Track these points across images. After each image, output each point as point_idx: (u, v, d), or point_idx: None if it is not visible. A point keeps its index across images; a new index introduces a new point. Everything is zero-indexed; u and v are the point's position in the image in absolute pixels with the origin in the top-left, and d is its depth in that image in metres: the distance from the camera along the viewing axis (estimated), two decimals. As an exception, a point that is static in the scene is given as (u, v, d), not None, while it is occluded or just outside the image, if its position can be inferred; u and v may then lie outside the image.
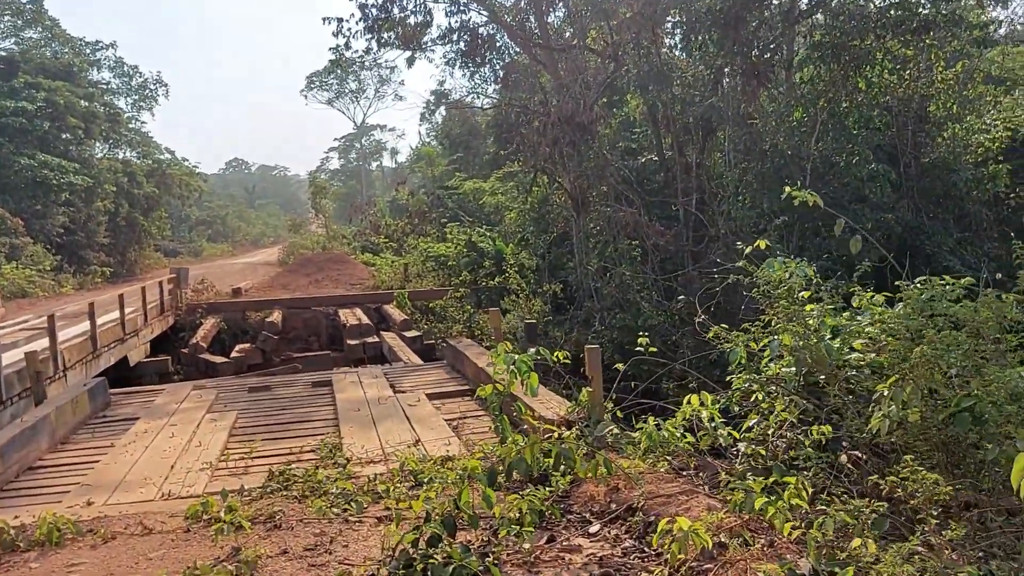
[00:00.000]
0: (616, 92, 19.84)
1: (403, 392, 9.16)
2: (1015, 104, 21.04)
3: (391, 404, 8.31)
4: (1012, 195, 20.68)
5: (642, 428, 5.40)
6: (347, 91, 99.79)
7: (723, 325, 6.60)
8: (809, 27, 18.93)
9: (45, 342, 13.39)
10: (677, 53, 20.53)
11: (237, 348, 18.23)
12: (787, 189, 6.27)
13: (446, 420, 7.67)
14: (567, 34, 22.32)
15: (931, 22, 16.34)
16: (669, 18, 20.25)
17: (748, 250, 6.58)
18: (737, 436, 4.96)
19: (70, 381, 12.54)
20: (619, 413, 6.25)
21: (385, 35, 22.16)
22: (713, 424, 4.95)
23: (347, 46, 21.51)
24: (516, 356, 5.28)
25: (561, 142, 17.49)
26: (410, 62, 23.19)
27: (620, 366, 6.74)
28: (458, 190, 38.18)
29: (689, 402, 5.16)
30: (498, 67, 21.10)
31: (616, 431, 5.53)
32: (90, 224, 45.01)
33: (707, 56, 19.24)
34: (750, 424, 4.90)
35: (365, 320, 19.39)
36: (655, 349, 6.62)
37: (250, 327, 21.51)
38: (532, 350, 5.51)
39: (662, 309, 16.64)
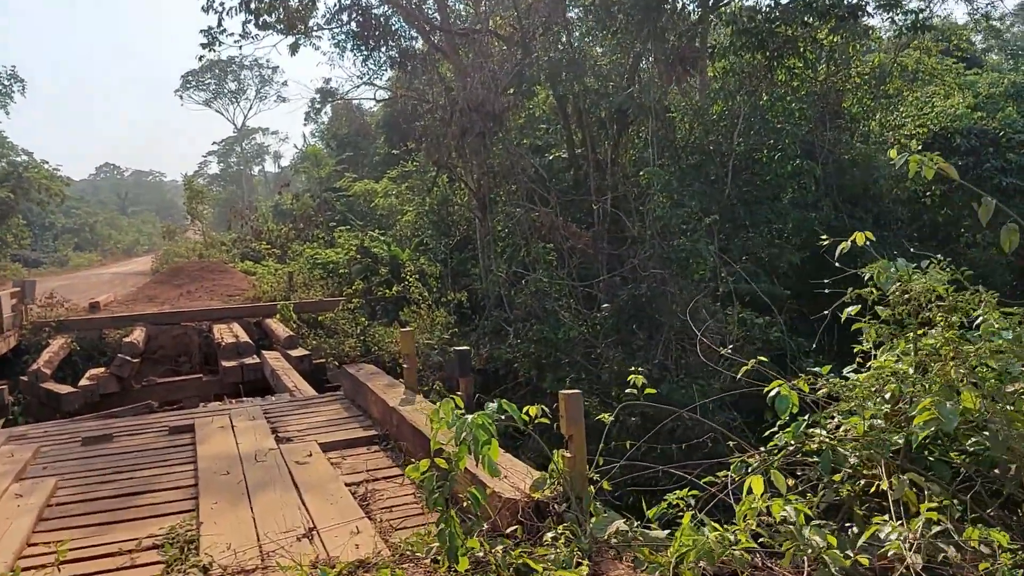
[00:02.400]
0: (525, 82, 18.13)
1: (289, 440, 7.05)
2: (928, 100, 20.65)
3: (272, 461, 6.21)
4: (928, 193, 20.25)
5: (664, 517, 3.60)
6: (226, 91, 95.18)
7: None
8: (732, 13, 17.79)
9: None
10: (589, 41, 19.02)
11: (88, 374, 15.40)
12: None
13: (349, 485, 5.66)
14: (469, 18, 20.47)
15: (861, 7, 15.41)
16: (581, 1, 18.74)
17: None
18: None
19: None
20: (607, 485, 4.43)
21: (265, 17, 19.70)
22: (793, 524, 3.08)
23: (220, 27, 18.96)
24: (465, 419, 3.40)
25: (469, 132, 15.61)
26: (293, 49, 20.76)
27: (606, 418, 4.96)
28: (347, 192, 35.71)
29: (751, 490, 3.27)
30: (393, 52, 18.98)
31: (624, 527, 3.65)
32: (-72, 231, 40.03)
33: (624, 43, 17.84)
34: (884, 532, 3.02)
35: (244, 337, 16.90)
36: (646, 385, 4.87)
37: (108, 348, 18.56)
38: (491, 406, 3.63)
39: (583, 319, 15.01)
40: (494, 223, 18.70)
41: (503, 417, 3.69)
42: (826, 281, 4.63)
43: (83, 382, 14.91)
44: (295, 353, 15.29)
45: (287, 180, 55.45)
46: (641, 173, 18.88)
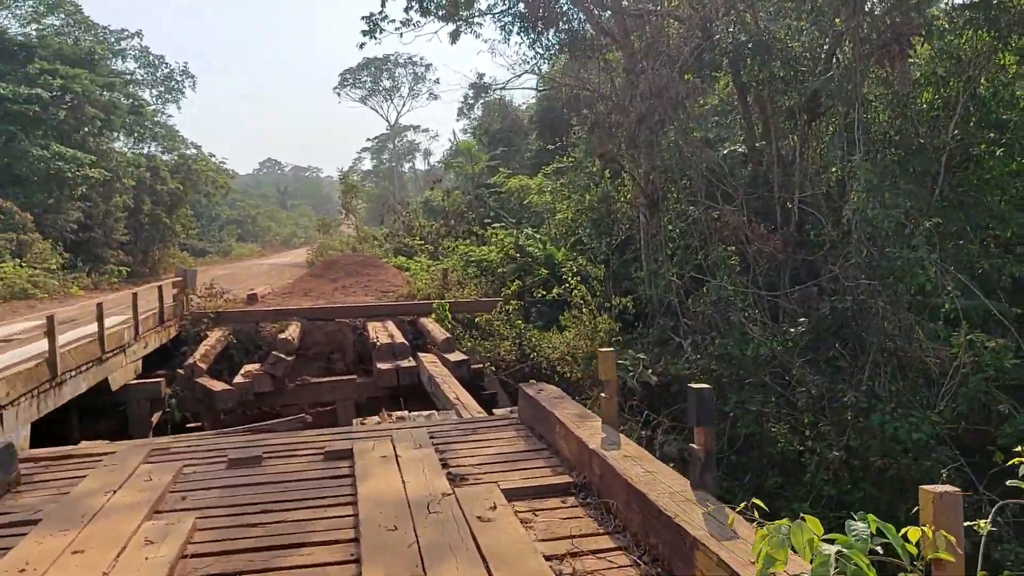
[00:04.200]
0: (704, 68, 16.39)
1: (464, 480, 5.81)
2: None
3: (448, 514, 4.95)
4: None
5: None
6: (381, 89, 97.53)
7: None
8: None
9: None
10: (778, 21, 16.98)
11: (243, 371, 15.02)
12: None
13: (550, 559, 4.32)
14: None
15: None
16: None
17: None
18: None
19: (7, 424, 9.40)
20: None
21: (427, 2, 18.93)
22: None
23: (382, 12, 18.33)
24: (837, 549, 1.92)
25: (647, 120, 14.04)
26: (454, 37, 19.90)
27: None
28: (500, 188, 34.82)
29: None
30: (563, 35, 17.65)
31: None
32: (108, 220, 42.44)
33: (821, 22, 15.75)
34: None
35: (399, 338, 16.10)
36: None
37: (264, 342, 18.32)
38: (860, 527, 2.14)
39: (772, 334, 13.14)
40: (664, 222, 17.04)
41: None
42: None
43: (237, 379, 14.52)
44: (453, 358, 14.29)
45: (439, 176, 55.53)
46: (833, 169, 16.72)
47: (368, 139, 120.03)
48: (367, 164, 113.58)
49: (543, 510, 5.23)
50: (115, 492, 5.64)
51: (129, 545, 4.64)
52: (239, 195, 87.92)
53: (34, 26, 44.59)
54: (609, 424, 5.90)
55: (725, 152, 19.65)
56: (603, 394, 5.97)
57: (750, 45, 16.11)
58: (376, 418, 9.59)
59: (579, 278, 18.58)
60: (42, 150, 35.12)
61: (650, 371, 12.50)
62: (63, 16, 46.25)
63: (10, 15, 45.28)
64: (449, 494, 5.35)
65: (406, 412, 9.58)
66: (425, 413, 9.13)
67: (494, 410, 9.65)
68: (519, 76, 28.90)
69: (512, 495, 5.40)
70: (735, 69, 16.83)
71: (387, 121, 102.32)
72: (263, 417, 14.96)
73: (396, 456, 6.35)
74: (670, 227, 17.37)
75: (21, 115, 34.76)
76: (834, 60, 16.03)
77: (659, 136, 16.42)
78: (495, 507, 5.07)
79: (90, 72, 40.97)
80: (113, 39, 51.58)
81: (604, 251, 21.27)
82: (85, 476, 6.28)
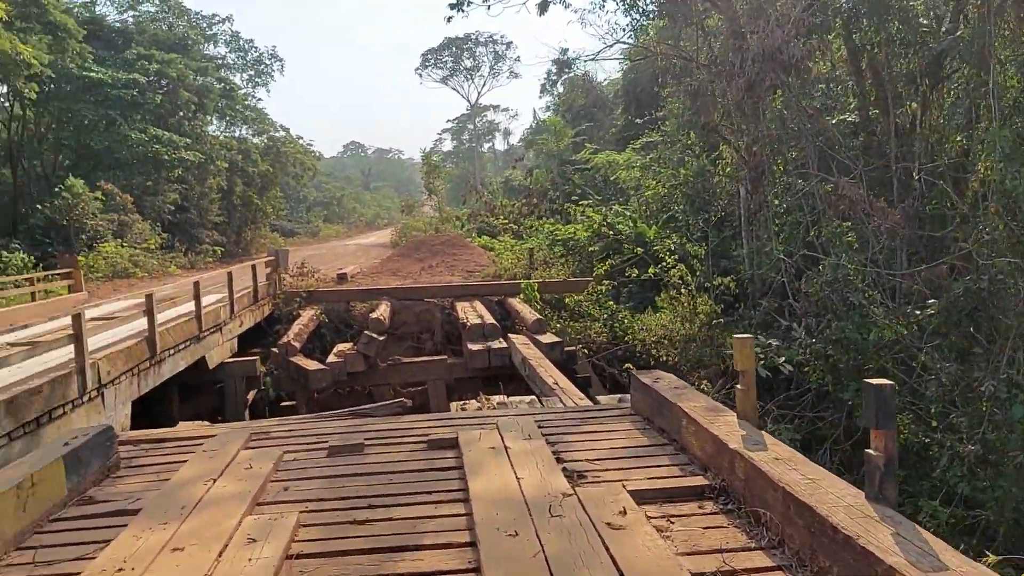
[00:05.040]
0: (814, 31, 15.25)
1: (582, 478, 5.27)
2: None
3: (572, 518, 4.42)
4: None
5: None
6: (462, 69, 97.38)
7: None
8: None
9: (98, 339, 10.35)
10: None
11: (335, 351, 14.88)
12: None
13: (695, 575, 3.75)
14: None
15: None
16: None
17: None
18: None
19: (108, 402, 9.35)
20: None
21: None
22: None
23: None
24: None
25: (758, 86, 13.11)
26: (542, 7, 19.22)
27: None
28: (586, 164, 34.02)
29: None
30: None
31: None
32: (203, 202, 43.61)
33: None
34: None
35: (489, 318, 15.69)
36: None
37: (355, 320, 18.25)
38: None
39: (896, 317, 12.11)
40: (770, 196, 16.06)
41: None
42: None
43: (331, 359, 14.38)
44: (545, 339, 13.78)
45: (519, 155, 55.03)
46: (958, 138, 15.40)
47: (448, 120, 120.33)
48: (447, 145, 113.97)
49: (678, 516, 4.64)
50: (215, 481, 5.33)
51: (231, 543, 4.27)
52: (325, 177, 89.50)
53: (130, 13, 45.89)
54: (747, 419, 5.26)
55: (834, 122, 18.45)
56: (739, 385, 5.31)
57: (865, 5, 14.91)
58: (474, 402, 9.17)
59: (676, 257, 17.79)
60: (140, 134, 36.11)
61: (783, 359, 11.71)
62: (158, 2, 47.42)
63: (108, 2, 46.74)
64: (570, 494, 4.82)
65: (504, 397, 9.11)
66: (526, 399, 8.64)
67: (597, 397, 9.09)
68: (610, 46, 27.67)
69: (641, 498, 4.83)
70: (848, 31, 15.65)
71: (467, 101, 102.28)
72: (355, 396, 14.82)
73: (505, 447, 5.86)
74: (776, 202, 16.37)
75: (120, 100, 35.77)
76: (961, 18, 14.70)
77: (766, 104, 15.44)
78: (624, 512, 4.51)
79: (184, 57, 41.92)
80: (205, 24, 52.70)
81: (701, 227, 20.34)
82: (183, 461, 6.02)
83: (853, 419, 12.06)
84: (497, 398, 8.89)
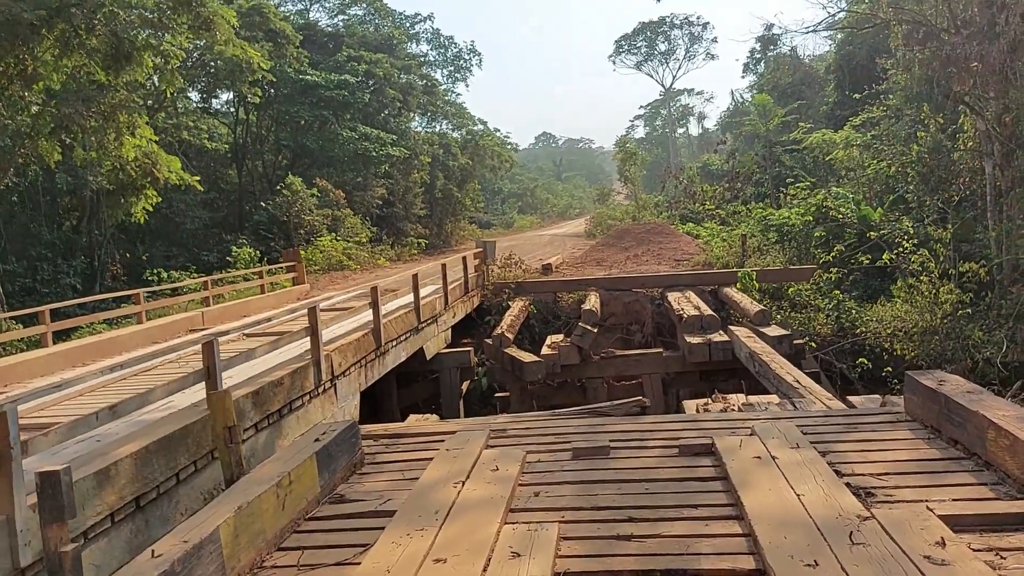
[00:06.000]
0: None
1: (871, 496, 4.59)
2: None
3: (880, 548, 3.78)
4: None
5: None
6: (656, 53, 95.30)
7: None
8: None
9: (330, 331, 10.75)
10: None
11: (548, 342, 14.73)
12: None
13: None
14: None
15: None
16: None
17: None
18: None
19: (340, 393, 9.64)
20: None
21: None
22: None
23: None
24: None
25: (1022, 49, 11.44)
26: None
27: None
28: (798, 145, 31.94)
29: None
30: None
31: None
32: (407, 196, 45.40)
33: None
34: None
35: (706, 309, 14.91)
36: None
37: (562, 312, 18.08)
38: None
39: None
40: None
41: None
42: None
43: (544, 351, 14.23)
44: (771, 332, 12.84)
45: (718, 139, 52.88)
46: None
47: (641, 107, 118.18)
48: (640, 132, 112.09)
49: (1009, 551, 3.86)
50: (463, 483, 5.14)
51: (494, 557, 4.01)
52: (518, 169, 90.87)
53: (340, 17, 48.67)
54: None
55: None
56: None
57: None
58: (706, 401, 8.56)
59: (915, 242, 16.11)
60: (350, 132, 38.14)
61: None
62: (364, 5, 49.96)
63: (321, 8, 49.79)
64: (868, 517, 4.16)
65: (744, 396, 8.43)
66: (774, 400, 7.92)
67: (850, 399, 8.18)
68: (834, 15, 25.46)
69: (955, 524, 4.09)
70: None
71: (661, 86, 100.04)
72: (566, 389, 14.58)
73: (772, 457, 5.25)
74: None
75: (333, 100, 37.95)
76: None
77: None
78: (943, 543, 3.80)
79: (389, 56, 43.85)
80: (408, 24, 54.94)
81: (939, 208, 18.35)
82: (424, 459, 5.93)
83: None
84: (738, 397, 8.22)
